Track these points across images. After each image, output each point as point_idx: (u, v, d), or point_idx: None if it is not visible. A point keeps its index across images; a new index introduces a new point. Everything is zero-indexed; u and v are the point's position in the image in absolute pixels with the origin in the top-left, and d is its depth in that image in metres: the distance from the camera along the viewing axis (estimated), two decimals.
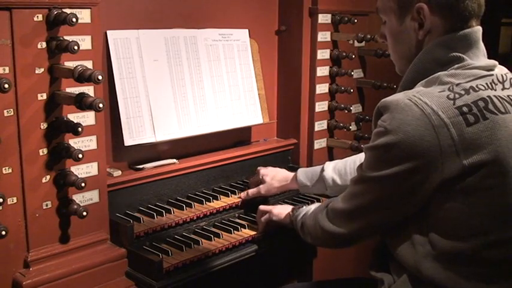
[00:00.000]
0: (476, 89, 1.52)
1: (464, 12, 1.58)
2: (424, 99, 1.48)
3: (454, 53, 1.57)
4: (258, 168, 2.41)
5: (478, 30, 1.62)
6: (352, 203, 1.64)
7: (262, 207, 2.16)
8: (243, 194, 2.33)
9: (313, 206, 1.94)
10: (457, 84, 1.52)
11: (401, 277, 1.61)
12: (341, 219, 1.69)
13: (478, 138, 1.45)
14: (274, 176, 2.33)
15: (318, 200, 2.40)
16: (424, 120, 1.45)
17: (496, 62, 1.66)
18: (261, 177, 2.34)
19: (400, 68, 1.74)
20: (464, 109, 1.47)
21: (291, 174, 2.32)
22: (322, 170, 2.22)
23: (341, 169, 2.19)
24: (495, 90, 1.55)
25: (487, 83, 1.55)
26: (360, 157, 2.17)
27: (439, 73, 1.56)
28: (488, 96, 1.51)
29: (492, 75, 1.58)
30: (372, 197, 1.59)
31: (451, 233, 1.51)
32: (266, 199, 2.38)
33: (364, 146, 1.60)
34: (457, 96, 1.49)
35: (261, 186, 2.32)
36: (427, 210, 1.53)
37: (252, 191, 2.32)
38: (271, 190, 2.32)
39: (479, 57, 1.61)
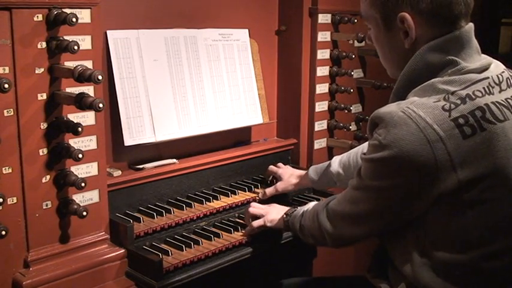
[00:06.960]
0: (473, 96, 1.46)
1: (450, 16, 1.52)
2: (419, 112, 1.42)
3: (447, 57, 1.52)
4: (279, 164, 2.50)
5: (469, 29, 1.56)
6: (351, 208, 1.63)
7: (252, 209, 2.14)
8: (260, 194, 2.38)
9: (306, 207, 1.93)
10: (453, 93, 1.46)
11: (400, 285, 1.59)
12: (340, 222, 1.69)
13: (475, 151, 1.41)
14: (291, 175, 2.40)
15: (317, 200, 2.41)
16: (419, 135, 1.40)
17: (491, 59, 1.60)
18: (278, 175, 2.42)
19: (392, 72, 1.70)
20: (461, 121, 1.42)
21: (304, 172, 2.39)
22: (329, 165, 2.28)
23: (345, 162, 2.25)
24: (492, 94, 1.50)
25: (484, 88, 1.49)
26: (363, 148, 2.20)
27: (433, 80, 1.51)
28: (486, 104, 1.46)
29: (488, 78, 1.52)
30: (369, 206, 1.57)
31: (448, 245, 1.49)
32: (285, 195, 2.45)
33: (361, 155, 1.59)
34: (452, 106, 1.43)
35: (277, 184, 2.39)
36: (424, 222, 1.50)
37: (269, 190, 2.37)
38: (288, 188, 2.40)
39: (473, 56, 1.56)
